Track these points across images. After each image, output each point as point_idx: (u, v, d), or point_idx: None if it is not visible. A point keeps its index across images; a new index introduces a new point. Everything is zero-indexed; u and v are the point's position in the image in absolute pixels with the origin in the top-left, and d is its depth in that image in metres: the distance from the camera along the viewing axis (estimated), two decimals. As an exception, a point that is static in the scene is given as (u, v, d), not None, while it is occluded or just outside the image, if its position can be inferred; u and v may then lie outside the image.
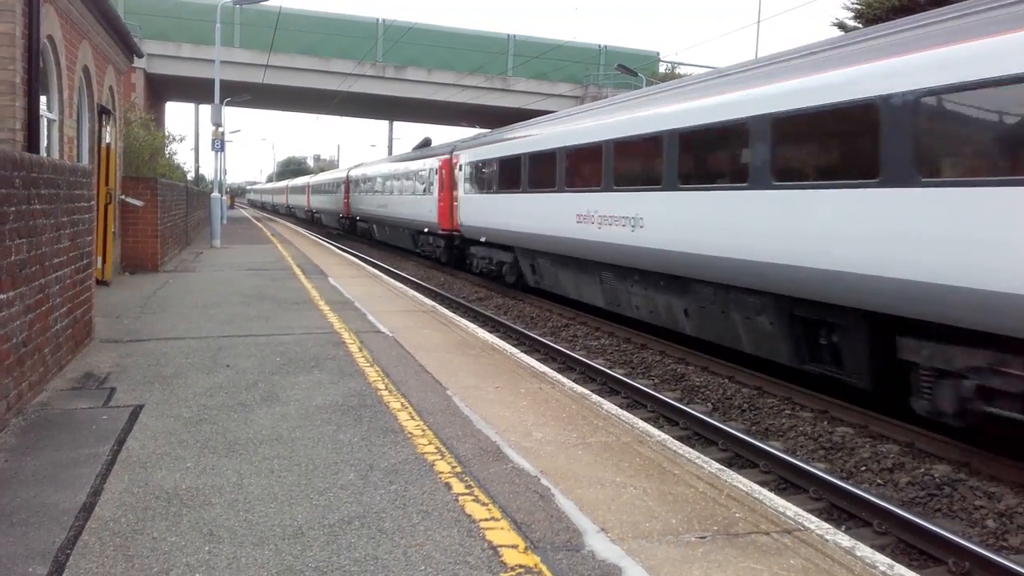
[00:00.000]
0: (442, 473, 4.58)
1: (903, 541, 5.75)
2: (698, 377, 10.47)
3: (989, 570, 5.16)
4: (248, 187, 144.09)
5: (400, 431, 5.36)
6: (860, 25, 24.46)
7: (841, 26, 26.91)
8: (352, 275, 16.25)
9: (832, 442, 7.90)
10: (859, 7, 26.26)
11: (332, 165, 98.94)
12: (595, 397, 6.64)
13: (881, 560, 3.68)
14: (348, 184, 39.40)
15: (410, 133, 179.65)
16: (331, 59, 38.04)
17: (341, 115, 55.51)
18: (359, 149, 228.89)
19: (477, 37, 41.62)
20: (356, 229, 39.27)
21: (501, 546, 3.65)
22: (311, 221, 55.48)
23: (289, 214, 70.38)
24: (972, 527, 6.11)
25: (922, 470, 7.05)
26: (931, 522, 5.80)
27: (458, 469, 4.65)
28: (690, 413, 8.56)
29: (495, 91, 40.09)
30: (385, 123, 66.72)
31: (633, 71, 33.58)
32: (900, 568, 3.62)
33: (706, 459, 5.10)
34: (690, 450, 5.29)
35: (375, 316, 10.46)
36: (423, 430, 5.40)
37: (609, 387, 10.01)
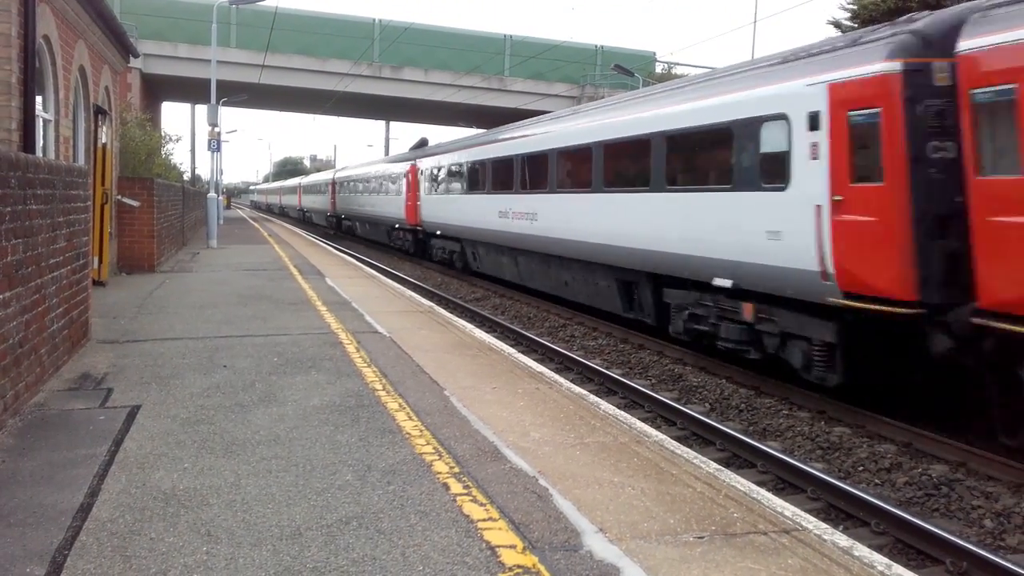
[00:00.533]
0: (440, 473, 4.57)
1: (901, 541, 5.76)
2: (696, 377, 10.47)
3: (986, 570, 5.17)
4: (251, 187, 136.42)
5: (398, 431, 5.35)
6: (856, 26, 24.49)
7: (837, 25, 26.96)
8: (349, 275, 16.23)
9: (830, 442, 7.91)
10: (854, 7, 26.30)
11: (329, 165, 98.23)
12: (593, 397, 6.65)
13: (879, 560, 3.69)
14: (415, 178, 25.35)
15: (407, 133, 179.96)
16: (327, 59, 38.06)
17: (338, 115, 55.53)
18: (355, 149, 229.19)
19: (474, 37, 41.66)
20: (430, 251, 24.92)
21: (499, 546, 3.64)
22: (337, 228, 42.62)
23: (303, 220, 57.23)
24: (970, 527, 6.12)
25: (919, 470, 7.06)
26: (929, 522, 5.81)
27: (456, 469, 4.64)
28: (688, 413, 8.57)
29: (492, 91, 40.12)
30: (382, 123, 66.72)
31: (629, 71, 33.63)
32: (898, 568, 3.62)
33: (704, 459, 5.10)
34: (688, 450, 5.30)
35: (372, 316, 10.45)
36: (421, 430, 5.39)
37: (607, 387, 10.01)
